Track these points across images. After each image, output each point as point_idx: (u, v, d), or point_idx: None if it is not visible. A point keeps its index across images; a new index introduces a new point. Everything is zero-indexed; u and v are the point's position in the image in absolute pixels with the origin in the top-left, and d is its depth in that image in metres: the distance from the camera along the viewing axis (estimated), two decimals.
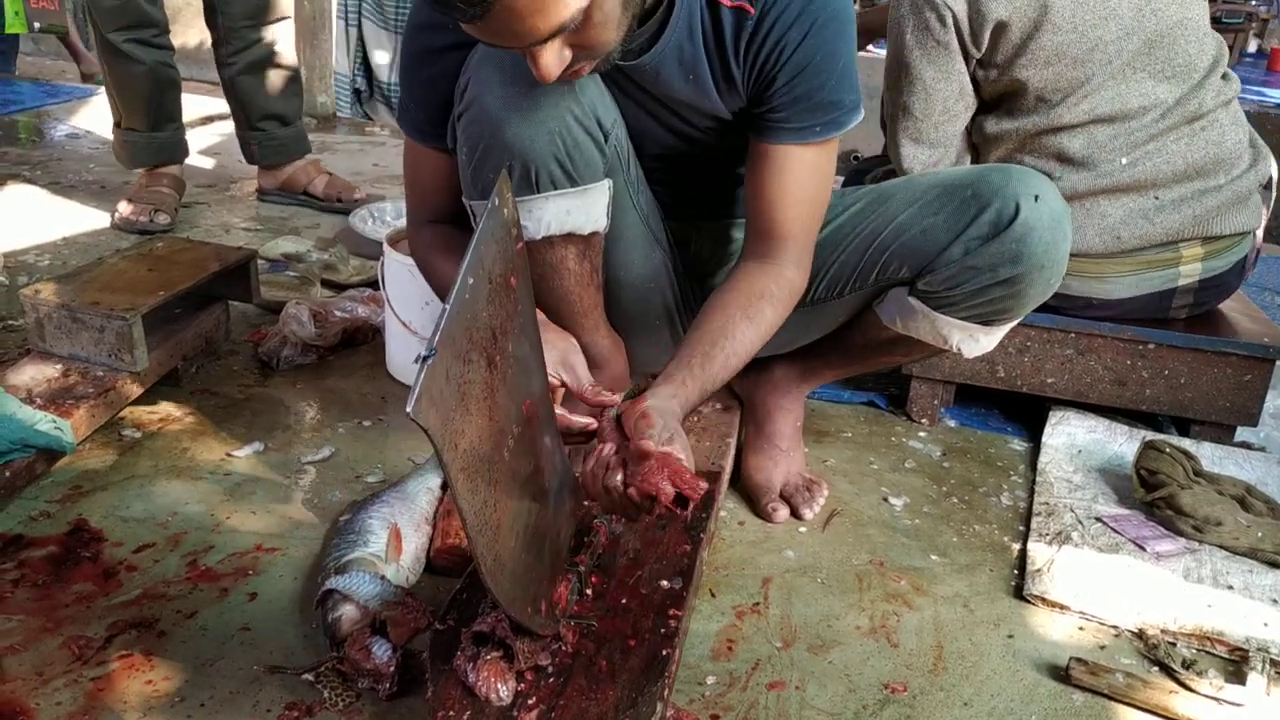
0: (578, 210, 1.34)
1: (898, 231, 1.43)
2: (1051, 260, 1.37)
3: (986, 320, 1.45)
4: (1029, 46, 1.70)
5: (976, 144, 1.88)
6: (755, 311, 1.30)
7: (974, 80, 1.79)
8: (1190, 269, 1.82)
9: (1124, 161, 1.76)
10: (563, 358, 1.25)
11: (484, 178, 1.31)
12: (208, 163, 3.47)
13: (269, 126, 2.97)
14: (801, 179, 1.32)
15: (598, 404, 1.22)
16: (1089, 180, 1.77)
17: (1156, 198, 1.78)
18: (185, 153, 2.92)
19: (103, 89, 2.98)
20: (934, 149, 1.83)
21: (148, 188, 2.81)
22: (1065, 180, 1.78)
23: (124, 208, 2.73)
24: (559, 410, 1.21)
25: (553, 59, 1.05)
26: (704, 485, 1.06)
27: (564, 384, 1.24)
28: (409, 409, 0.72)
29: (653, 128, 1.41)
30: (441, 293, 1.46)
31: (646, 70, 1.30)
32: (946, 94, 1.78)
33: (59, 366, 1.70)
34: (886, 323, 1.52)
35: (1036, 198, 1.35)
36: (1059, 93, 1.74)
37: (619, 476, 1.09)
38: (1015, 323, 1.51)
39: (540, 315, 1.29)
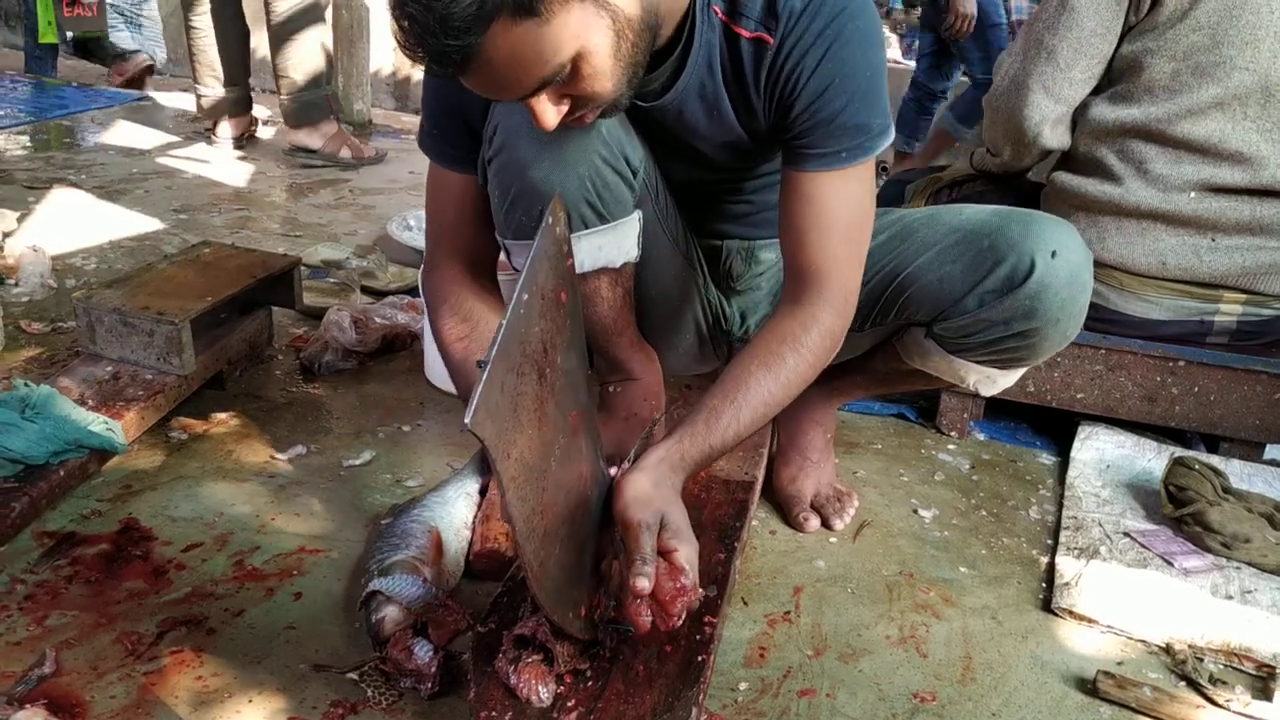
0: (609, 245, 1.37)
1: (915, 276, 1.43)
2: (1068, 314, 1.37)
3: (1002, 365, 1.46)
4: (1168, 32, 1.69)
5: (1074, 122, 1.87)
6: (775, 360, 1.26)
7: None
8: (1230, 309, 1.83)
9: (1192, 196, 1.76)
10: None
11: (516, 220, 1.33)
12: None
13: None
14: (832, 207, 1.27)
15: None
16: (1152, 200, 1.77)
17: (1213, 240, 1.78)
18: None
19: (138, 96, 3.09)
20: (1058, 105, 1.80)
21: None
22: (1131, 193, 1.78)
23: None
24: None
25: (547, 110, 1.06)
26: (680, 607, 1.09)
27: None
28: (466, 420, 0.75)
29: (677, 158, 1.43)
30: (446, 358, 1.43)
31: (669, 110, 1.31)
32: (1096, 52, 1.75)
33: (110, 369, 1.75)
34: (905, 358, 1.54)
35: (1054, 253, 1.33)
36: (1168, 92, 1.73)
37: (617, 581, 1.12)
38: (1032, 366, 1.51)
39: None
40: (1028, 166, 2.00)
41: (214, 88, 3.56)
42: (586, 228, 1.34)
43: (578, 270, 1.35)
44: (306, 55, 3.36)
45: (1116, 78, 1.80)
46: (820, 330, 1.28)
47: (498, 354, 0.80)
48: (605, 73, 1.05)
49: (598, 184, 1.31)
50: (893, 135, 1.29)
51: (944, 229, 1.43)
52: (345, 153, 3.54)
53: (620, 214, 1.36)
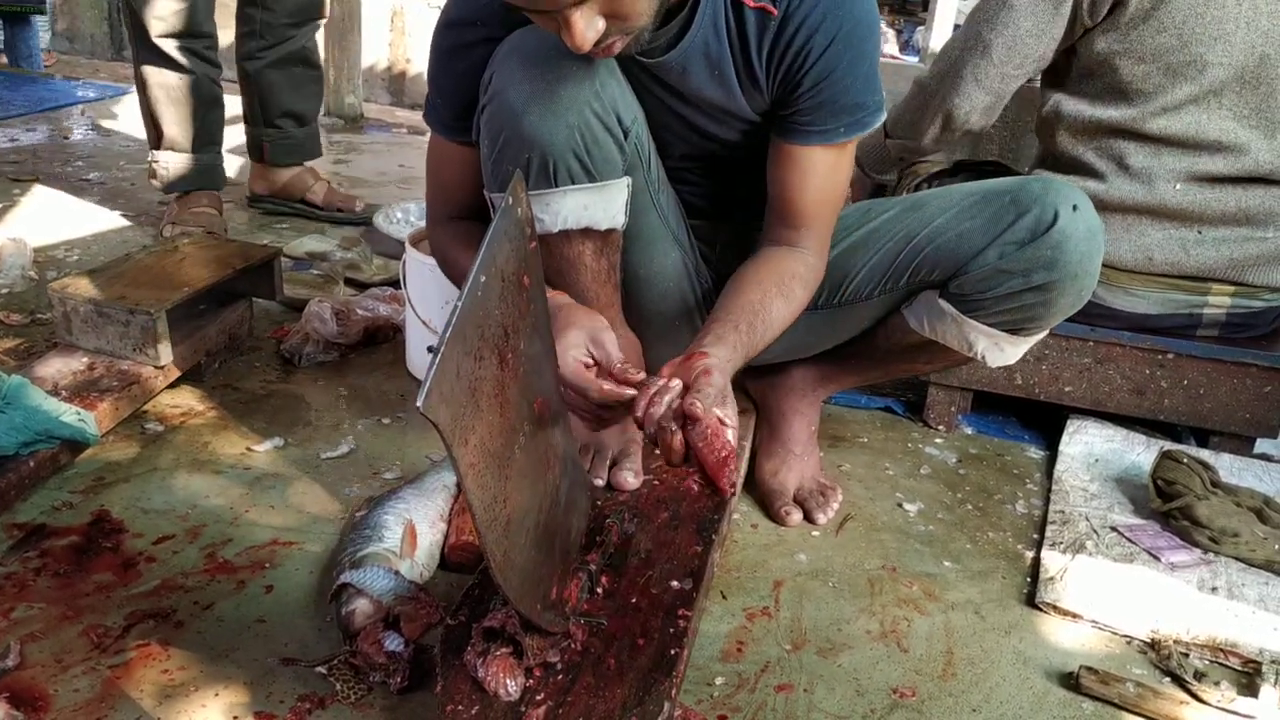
0: (595, 206, 1.34)
1: (933, 235, 1.44)
2: (1085, 271, 1.38)
3: (1014, 329, 1.46)
4: (1132, 35, 1.69)
5: (1049, 119, 1.86)
6: (788, 290, 1.32)
7: (1074, 48, 1.79)
8: (1219, 300, 1.81)
9: (1178, 188, 1.75)
10: (592, 335, 1.22)
11: (503, 170, 1.31)
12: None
13: (286, 125, 2.89)
14: (824, 176, 1.35)
15: (626, 382, 1.19)
16: (1138, 195, 1.76)
17: (1199, 232, 1.77)
18: (223, 181, 2.79)
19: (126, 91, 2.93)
20: (988, 96, 1.83)
21: (190, 209, 2.65)
22: (1115, 189, 1.77)
23: (169, 231, 2.58)
24: (605, 384, 1.18)
25: (586, 25, 1.06)
26: (729, 456, 1.08)
27: (595, 361, 1.22)
28: (419, 404, 0.73)
29: (677, 127, 1.42)
30: (459, 284, 1.47)
31: (672, 68, 1.31)
32: (1030, 52, 1.77)
33: (85, 360, 1.73)
34: (914, 326, 1.52)
35: (1075, 207, 1.36)
36: (1142, 95, 1.72)
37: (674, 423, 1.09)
38: (1041, 335, 1.51)
39: (568, 298, 1.30)
40: (936, 149, 2.03)
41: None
42: (573, 183, 1.31)
43: (559, 227, 1.34)
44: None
45: (1087, 75, 1.79)
46: (814, 272, 1.39)
47: (451, 336, 0.77)
48: None
49: (587, 138, 1.29)
50: (885, 112, 1.35)
51: (960, 194, 1.46)
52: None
53: (609, 174, 1.34)
